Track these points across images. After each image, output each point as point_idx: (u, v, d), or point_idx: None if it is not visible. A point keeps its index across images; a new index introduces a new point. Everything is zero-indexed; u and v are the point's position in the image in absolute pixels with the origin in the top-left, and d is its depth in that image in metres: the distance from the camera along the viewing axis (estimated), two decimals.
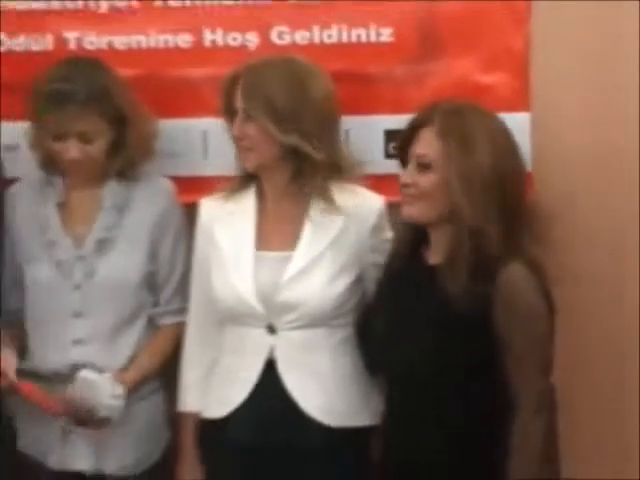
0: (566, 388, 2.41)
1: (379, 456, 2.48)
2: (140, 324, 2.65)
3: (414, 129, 2.37)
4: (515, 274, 2.25)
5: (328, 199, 2.52)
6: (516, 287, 2.26)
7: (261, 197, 2.58)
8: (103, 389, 2.54)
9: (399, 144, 2.46)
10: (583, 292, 2.69)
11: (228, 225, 2.57)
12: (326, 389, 2.49)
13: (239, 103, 2.47)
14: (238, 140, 2.50)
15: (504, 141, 2.35)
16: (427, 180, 2.34)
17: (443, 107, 2.38)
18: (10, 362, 2.60)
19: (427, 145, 2.35)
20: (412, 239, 2.42)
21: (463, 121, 2.36)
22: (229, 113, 2.51)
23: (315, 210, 2.52)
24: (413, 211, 2.37)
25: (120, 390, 2.56)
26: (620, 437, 2.79)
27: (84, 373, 2.52)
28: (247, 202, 2.58)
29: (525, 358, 2.24)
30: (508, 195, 2.33)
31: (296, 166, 2.50)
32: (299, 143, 2.45)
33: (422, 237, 2.39)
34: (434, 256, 2.36)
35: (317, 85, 2.45)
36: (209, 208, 2.61)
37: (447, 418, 2.33)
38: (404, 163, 2.40)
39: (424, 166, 2.34)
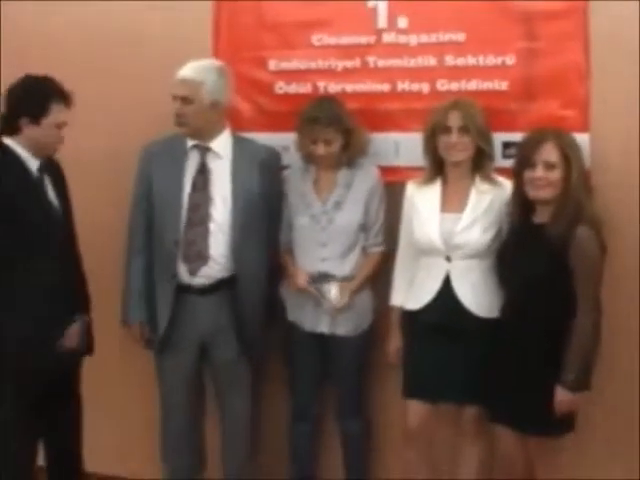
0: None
1: (502, 332, 3.20)
2: (357, 251, 3.51)
3: (535, 144, 3.07)
4: (584, 232, 2.98)
5: (491, 180, 3.28)
6: (583, 240, 2.98)
7: (444, 180, 3.34)
8: (330, 289, 3.46)
9: (525, 153, 3.09)
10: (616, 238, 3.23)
11: (424, 197, 3.36)
12: (478, 293, 3.27)
13: (455, 123, 3.22)
14: (454, 145, 3.23)
15: (579, 146, 3.11)
16: (554, 175, 3.03)
17: (550, 131, 3.09)
18: (303, 276, 3.49)
19: (550, 154, 3.03)
20: (523, 209, 3.16)
21: (566, 137, 3.09)
22: (441, 128, 3.25)
23: (475, 189, 3.29)
24: (542, 194, 3.05)
25: (336, 291, 3.43)
26: None
27: (329, 283, 3.44)
28: (435, 184, 3.35)
29: (585, 281, 3.00)
30: (586, 181, 3.13)
31: (476, 161, 3.28)
32: (486, 147, 3.27)
33: (528, 207, 3.13)
34: (539, 218, 3.10)
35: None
36: (412, 187, 3.44)
37: (542, 313, 3.05)
38: (528, 165, 3.05)
39: (550, 166, 3.02)
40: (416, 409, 3.40)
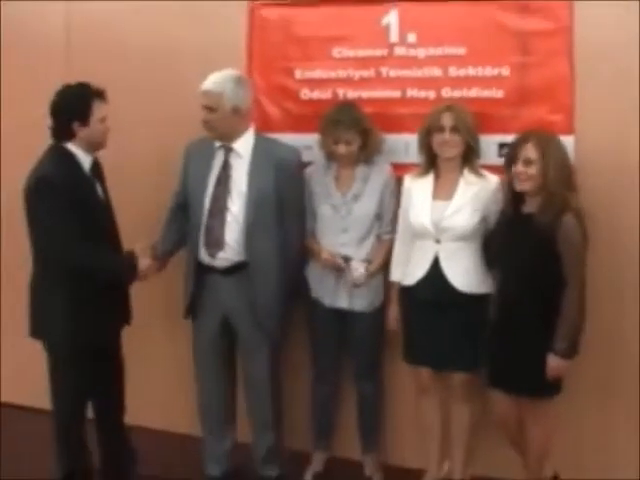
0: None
1: (493, 312, 3.47)
2: (372, 237, 3.81)
3: (520, 143, 3.32)
4: (569, 221, 3.22)
5: (478, 174, 3.54)
6: (569, 228, 3.22)
7: (436, 173, 3.62)
8: (357, 267, 3.73)
9: (512, 152, 3.32)
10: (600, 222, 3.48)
11: (418, 188, 3.65)
12: (464, 273, 3.54)
13: (447, 123, 3.49)
14: (447, 142, 3.50)
15: (562, 146, 3.35)
16: (532, 170, 3.27)
17: (533, 133, 3.35)
18: (327, 252, 3.76)
19: (529, 151, 3.28)
20: (513, 200, 3.40)
21: (547, 138, 3.33)
22: (435, 127, 3.52)
23: (464, 180, 3.56)
24: (524, 186, 3.30)
25: (363, 270, 3.70)
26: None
27: (352, 261, 3.71)
28: (429, 176, 3.63)
29: (572, 263, 3.25)
30: (571, 176, 3.35)
31: (465, 157, 3.56)
32: (474, 145, 3.55)
33: (519, 199, 3.37)
34: (527, 208, 3.34)
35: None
36: (409, 179, 3.72)
37: (533, 292, 3.28)
38: (513, 162, 3.29)
39: (529, 162, 3.27)
40: (420, 375, 3.76)
